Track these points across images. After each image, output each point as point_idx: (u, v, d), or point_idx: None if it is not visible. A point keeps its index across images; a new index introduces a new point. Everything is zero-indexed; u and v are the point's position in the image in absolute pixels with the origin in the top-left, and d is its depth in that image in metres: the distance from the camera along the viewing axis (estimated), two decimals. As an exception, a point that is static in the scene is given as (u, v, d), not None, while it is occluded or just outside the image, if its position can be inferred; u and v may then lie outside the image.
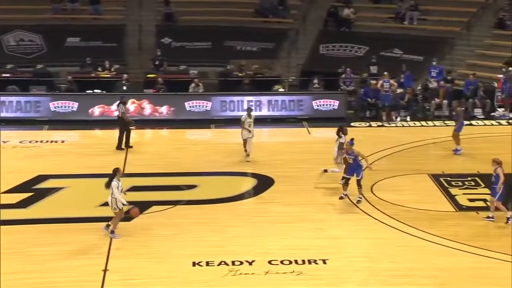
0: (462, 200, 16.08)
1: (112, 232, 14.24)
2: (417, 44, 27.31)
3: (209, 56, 28.15)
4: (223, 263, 13.19)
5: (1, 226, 14.47)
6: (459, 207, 15.77)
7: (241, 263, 13.18)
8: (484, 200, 15.97)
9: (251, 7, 30.65)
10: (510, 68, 23.72)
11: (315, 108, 23.32)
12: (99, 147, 20.59)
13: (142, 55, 28.54)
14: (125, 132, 20.08)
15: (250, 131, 18.73)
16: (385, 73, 23.20)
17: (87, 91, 24.42)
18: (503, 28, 27.00)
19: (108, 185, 14.12)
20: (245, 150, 18.94)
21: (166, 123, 22.96)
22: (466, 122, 22.26)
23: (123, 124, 20.17)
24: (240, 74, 25.91)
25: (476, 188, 16.75)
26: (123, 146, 20.01)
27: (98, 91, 24.54)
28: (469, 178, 17.26)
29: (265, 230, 14.69)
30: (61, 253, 13.50)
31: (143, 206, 15.95)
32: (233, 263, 13.17)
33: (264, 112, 22.79)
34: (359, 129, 22.09)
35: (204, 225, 14.86)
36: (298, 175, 17.84)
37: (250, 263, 13.18)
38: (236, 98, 23.42)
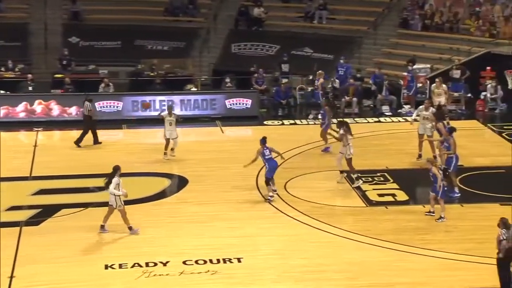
0: (372, 195, 16.48)
1: (130, 228, 14.12)
2: (327, 43, 27.82)
3: (118, 55, 27.68)
4: (136, 265, 12.99)
5: None
6: (369, 202, 16.16)
7: (155, 264, 13.03)
8: (393, 195, 16.46)
9: (161, 6, 30.36)
10: (415, 66, 24.53)
11: (228, 107, 23.33)
12: (3, 149, 19.79)
13: (48, 55, 27.74)
14: (86, 130, 19.97)
15: (172, 130, 18.61)
16: (319, 71, 23.56)
17: (-10, 92, 23.51)
18: (407, 27, 27.93)
19: (108, 184, 13.97)
20: (165, 153, 18.73)
21: (75, 124, 22.34)
22: (372, 120, 22.93)
23: (90, 122, 20.01)
24: (152, 74, 25.59)
25: (385, 184, 17.21)
26: (80, 144, 20.02)
27: (2, 91, 23.67)
28: (378, 174, 17.71)
29: (180, 230, 14.59)
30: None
31: (51, 210, 15.52)
32: (147, 264, 13.00)
33: (177, 111, 22.39)
34: (272, 127, 22.25)
35: (116, 226, 14.57)
36: (211, 174, 17.81)
37: (165, 264, 13.05)
38: (148, 98, 23.13)
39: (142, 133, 21.93)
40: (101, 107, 22.87)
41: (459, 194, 16.23)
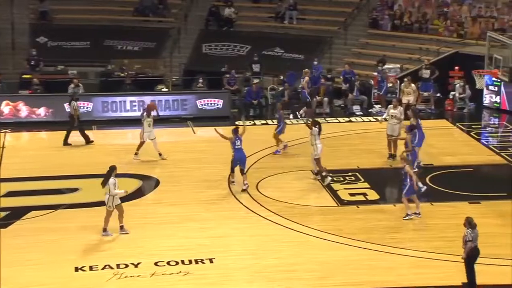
0: (344, 195, 16.55)
1: (105, 230, 14.05)
2: (297, 43, 27.90)
3: (88, 56, 27.43)
4: (107, 266, 12.89)
5: None
6: (341, 202, 16.24)
7: (126, 266, 12.94)
8: (364, 194, 16.56)
9: (131, 6, 30.17)
10: (385, 66, 24.73)
11: (199, 107, 23.26)
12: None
13: (16, 55, 27.41)
14: (80, 128, 20.03)
15: (150, 131, 18.50)
16: (305, 69, 23.56)
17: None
18: (376, 27, 28.15)
19: (104, 183, 13.89)
20: (136, 153, 18.58)
21: (44, 125, 22.12)
22: (343, 120, 23.06)
23: (72, 121, 19.99)
24: (122, 74, 25.40)
25: (356, 183, 17.30)
26: (69, 142, 20.01)
27: (-31, 93, 23.30)
28: (349, 173, 17.79)
29: (151, 232, 14.51)
30: None
31: (20, 212, 15.31)
32: (118, 266, 12.91)
33: (148, 112, 22.45)
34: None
35: (87, 228, 14.46)
36: (184, 175, 17.74)
37: (136, 266, 12.96)
38: (118, 99, 22.95)
39: (112, 134, 21.74)
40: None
41: (425, 187, 16.35)
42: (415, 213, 15.18)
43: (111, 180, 13.96)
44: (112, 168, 14.17)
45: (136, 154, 18.65)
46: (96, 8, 29.48)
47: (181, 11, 30.24)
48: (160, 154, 18.72)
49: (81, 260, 13.12)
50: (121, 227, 14.26)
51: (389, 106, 19.09)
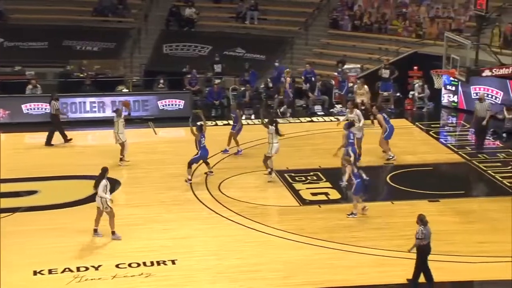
0: (305, 194, 16.63)
1: (113, 233, 13.87)
2: (259, 43, 27.96)
3: (46, 56, 27.05)
4: (67, 270, 12.73)
5: None
6: (303, 202, 16.30)
7: (87, 268, 12.79)
8: (326, 194, 16.65)
9: (90, 6, 29.83)
10: (345, 66, 24.92)
11: (160, 108, 23.12)
12: None
13: (-30, 56, 26.85)
14: (60, 128, 20.08)
15: (123, 132, 18.32)
16: (287, 69, 23.51)
17: None
18: (337, 28, 28.36)
19: (97, 185, 13.78)
20: (121, 159, 18.36)
21: (1, 127, 21.68)
22: (305, 120, 23.19)
23: (57, 121, 19.92)
24: (81, 75, 25.09)
25: (318, 183, 17.39)
26: (65, 140, 20.14)
27: None
28: (311, 173, 17.88)
29: (112, 234, 14.35)
30: None
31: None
32: (78, 269, 12.76)
33: (108, 113, 22.18)
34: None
35: (46, 231, 14.25)
36: (145, 176, 17.63)
37: (97, 268, 12.82)
38: (77, 100, 22.67)
39: (72, 135, 21.36)
40: (28, 109, 22.28)
41: (345, 183, 16.36)
42: (351, 213, 15.29)
43: (103, 182, 13.89)
44: (104, 170, 14.07)
45: (121, 160, 18.32)
46: (54, 8, 29.07)
47: (141, 11, 30.02)
48: (122, 158, 18.50)
49: (40, 263, 12.92)
50: (95, 230, 14.12)
51: (347, 110, 19.31)
